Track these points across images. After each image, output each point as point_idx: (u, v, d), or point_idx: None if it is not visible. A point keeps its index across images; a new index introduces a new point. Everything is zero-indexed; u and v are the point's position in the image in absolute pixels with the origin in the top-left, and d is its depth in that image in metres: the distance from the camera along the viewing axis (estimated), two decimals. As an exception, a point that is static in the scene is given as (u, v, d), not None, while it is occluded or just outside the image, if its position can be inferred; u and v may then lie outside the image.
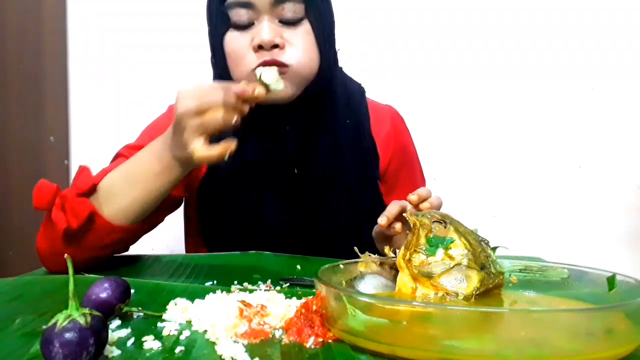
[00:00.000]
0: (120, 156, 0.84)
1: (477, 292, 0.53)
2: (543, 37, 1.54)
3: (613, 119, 1.55)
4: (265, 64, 0.77)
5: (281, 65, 0.77)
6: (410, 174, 1.00)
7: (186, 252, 1.01)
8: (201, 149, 0.65)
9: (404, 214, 0.61)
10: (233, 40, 0.80)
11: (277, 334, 0.48)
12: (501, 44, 1.54)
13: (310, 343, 0.46)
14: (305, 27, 0.80)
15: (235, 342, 0.46)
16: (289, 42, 0.79)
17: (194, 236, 0.95)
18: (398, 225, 0.74)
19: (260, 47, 0.77)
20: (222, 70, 0.83)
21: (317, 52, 0.82)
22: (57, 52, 1.57)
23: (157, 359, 0.43)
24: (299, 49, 0.79)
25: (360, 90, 0.95)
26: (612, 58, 1.54)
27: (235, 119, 0.65)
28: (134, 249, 0.84)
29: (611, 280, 0.52)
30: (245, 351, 0.43)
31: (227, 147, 0.64)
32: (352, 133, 0.90)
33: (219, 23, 0.81)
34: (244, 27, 0.79)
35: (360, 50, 1.46)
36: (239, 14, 0.78)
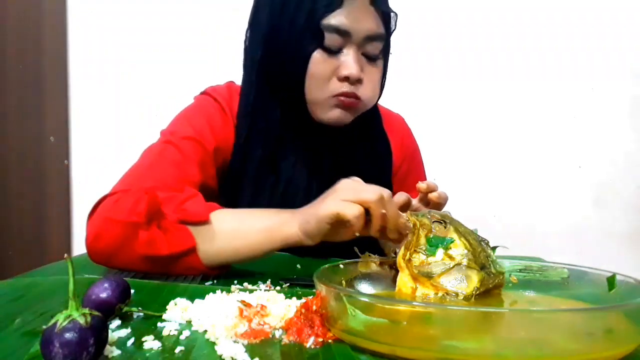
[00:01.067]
0: (168, 143, 0.82)
1: (477, 292, 0.53)
2: (543, 37, 1.54)
3: (613, 119, 1.55)
4: (345, 95, 0.80)
5: (358, 99, 0.82)
6: (418, 180, 1.01)
7: None
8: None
9: (404, 214, 0.61)
10: (320, 63, 0.80)
11: (277, 334, 0.48)
12: (501, 45, 1.54)
13: (310, 343, 0.46)
14: (380, 65, 0.84)
15: (235, 342, 0.46)
16: (366, 78, 0.82)
17: None
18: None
19: (346, 78, 0.80)
20: (296, 82, 0.82)
21: (379, 89, 0.87)
22: (57, 52, 1.57)
23: (157, 359, 0.43)
24: (372, 85, 0.83)
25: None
26: (612, 58, 1.54)
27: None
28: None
29: (611, 280, 0.52)
30: (245, 351, 0.43)
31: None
32: (372, 141, 0.94)
33: (309, 41, 0.80)
34: (332, 52, 0.80)
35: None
36: (333, 39, 0.79)
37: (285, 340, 0.47)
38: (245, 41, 0.91)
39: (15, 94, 1.59)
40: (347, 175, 0.78)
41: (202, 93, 0.93)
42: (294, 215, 0.69)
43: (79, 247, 1.55)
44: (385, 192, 0.63)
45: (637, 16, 1.53)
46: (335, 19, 0.78)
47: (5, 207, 1.60)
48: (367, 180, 0.88)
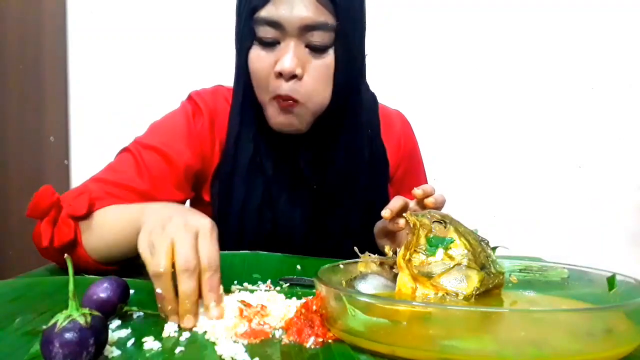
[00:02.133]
0: (127, 151, 0.83)
1: (477, 292, 0.53)
2: (543, 37, 1.54)
3: (613, 119, 1.55)
4: (280, 97, 0.76)
5: (295, 101, 0.77)
6: (416, 179, 1.01)
7: None
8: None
9: (404, 214, 0.61)
10: (257, 58, 0.78)
11: (277, 334, 0.48)
12: (501, 45, 1.54)
13: (310, 343, 0.46)
14: (329, 57, 0.77)
15: (235, 342, 0.46)
16: (308, 73, 0.77)
17: None
18: (402, 221, 0.73)
19: (280, 74, 0.75)
20: (245, 83, 0.82)
21: (330, 86, 0.79)
22: (57, 52, 1.57)
23: (157, 359, 0.43)
24: (315, 82, 0.77)
25: (374, 99, 0.95)
26: (612, 58, 1.54)
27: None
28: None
29: (611, 280, 0.52)
30: (245, 351, 0.43)
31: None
32: (365, 142, 0.90)
33: (245, 36, 0.78)
34: (269, 44, 0.76)
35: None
36: (266, 31, 0.76)
37: (285, 340, 0.47)
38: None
39: (15, 94, 1.59)
40: (328, 173, 0.80)
41: (187, 97, 0.91)
42: (148, 211, 0.64)
43: (79, 247, 1.55)
44: (194, 263, 0.52)
45: (637, 16, 1.53)
46: (265, 10, 0.75)
47: (5, 207, 1.60)
48: (364, 184, 0.87)
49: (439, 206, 0.74)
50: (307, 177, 0.86)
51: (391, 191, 0.96)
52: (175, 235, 0.54)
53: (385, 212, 0.71)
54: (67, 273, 0.42)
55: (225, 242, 0.87)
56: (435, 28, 1.54)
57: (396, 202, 0.73)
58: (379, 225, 0.82)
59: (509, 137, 1.56)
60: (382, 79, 1.47)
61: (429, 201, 0.73)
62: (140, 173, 0.80)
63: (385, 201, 0.84)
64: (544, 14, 1.53)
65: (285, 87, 0.76)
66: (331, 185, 0.87)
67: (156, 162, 0.81)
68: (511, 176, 1.56)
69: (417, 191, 0.73)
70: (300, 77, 0.76)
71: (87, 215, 0.72)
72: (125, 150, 0.84)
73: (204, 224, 0.56)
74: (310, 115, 0.80)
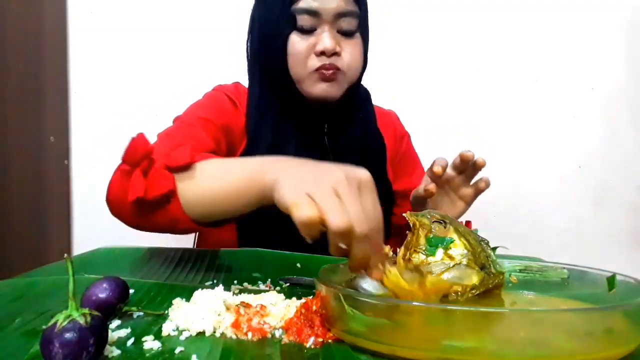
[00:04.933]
0: (177, 123, 0.88)
1: (477, 292, 0.53)
2: (543, 37, 1.54)
3: (613, 119, 1.55)
4: (323, 68, 0.88)
5: (337, 70, 0.89)
6: (412, 162, 1.12)
7: (196, 245, 1.01)
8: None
9: (404, 214, 0.61)
10: (297, 42, 0.89)
11: (277, 334, 0.48)
12: (501, 44, 1.54)
13: (310, 343, 0.46)
14: (357, 39, 0.91)
15: (235, 341, 0.46)
16: (345, 51, 0.90)
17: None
18: (432, 186, 0.84)
19: (322, 53, 0.87)
20: (278, 67, 0.90)
21: (362, 61, 0.93)
22: (57, 52, 1.57)
23: (157, 359, 0.43)
24: (352, 57, 0.90)
25: (367, 93, 1.06)
26: (612, 58, 1.54)
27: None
28: (133, 242, 0.84)
29: (611, 280, 0.52)
30: (246, 351, 0.43)
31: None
32: (366, 127, 1.01)
33: (284, 25, 0.88)
34: (307, 31, 0.88)
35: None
36: (305, 20, 0.87)
37: (285, 340, 0.47)
38: (247, 41, 0.98)
39: (15, 94, 1.59)
40: (344, 159, 0.82)
41: (212, 90, 0.99)
42: (276, 168, 0.59)
43: (79, 247, 1.55)
44: (362, 225, 0.48)
45: (637, 16, 1.53)
46: (304, 2, 0.87)
47: (5, 207, 1.59)
48: (369, 167, 0.94)
49: (481, 164, 0.85)
50: (327, 152, 0.95)
51: (392, 173, 1.06)
52: (342, 191, 0.49)
53: (437, 168, 0.83)
54: (66, 272, 0.42)
55: (245, 225, 0.91)
56: (435, 26, 1.54)
57: (441, 161, 0.83)
58: (414, 194, 0.91)
59: (508, 137, 1.56)
60: (381, 77, 1.47)
61: (479, 161, 0.85)
62: (200, 134, 0.85)
63: (385, 182, 1.00)
64: (544, 13, 1.53)
65: (329, 60, 0.88)
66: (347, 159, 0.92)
67: (208, 127, 0.88)
68: (511, 176, 1.56)
69: (437, 168, 0.83)
70: (339, 54, 0.89)
71: (188, 167, 0.67)
72: (175, 123, 0.89)
73: (365, 178, 0.51)
74: (347, 83, 0.92)
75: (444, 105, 1.55)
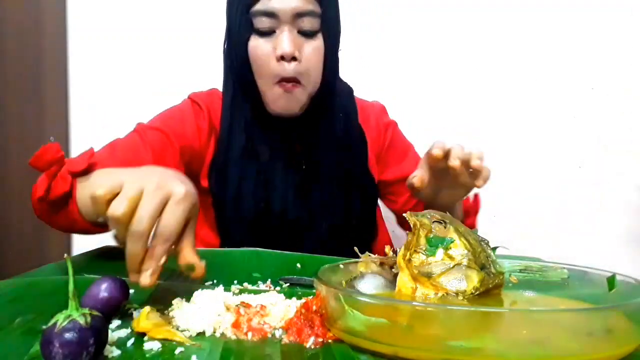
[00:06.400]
0: (132, 132, 0.90)
1: (477, 292, 0.53)
2: (543, 36, 1.54)
3: (613, 119, 1.55)
4: (284, 80, 0.86)
5: (297, 83, 0.87)
6: (401, 150, 1.09)
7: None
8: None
9: (404, 214, 0.61)
10: (257, 47, 0.87)
11: (277, 334, 0.48)
12: (501, 44, 1.54)
13: (310, 343, 0.46)
14: (319, 40, 0.88)
15: (234, 341, 0.46)
16: (304, 55, 0.87)
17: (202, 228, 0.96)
18: (417, 179, 0.80)
19: (282, 58, 0.85)
20: (243, 73, 0.89)
21: (321, 68, 0.90)
22: (57, 52, 1.57)
23: (157, 359, 0.43)
24: (311, 62, 0.88)
25: (349, 90, 1.04)
26: (612, 58, 1.54)
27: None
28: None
29: (611, 280, 0.52)
30: (246, 351, 0.43)
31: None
32: (346, 123, 0.99)
33: (243, 29, 0.87)
34: (266, 34, 0.86)
35: (361, 49, 1.47)
36: (262, 22, 0.85)
37: (285, 340, 0.47)
38: (224, 42, 0.98)
39: (15, 94, 1.59)
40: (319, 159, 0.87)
41: (186, 98, 1.00)
42: (136, 170, 0.59)
43: (79, 247, 1.55)
44: (146, 221, 0.50)
45: (637, 15, 1.53)
46: (261, 3, 0.85)
47: (5, 207, 1.59)
48: (341, 168, 0.97)
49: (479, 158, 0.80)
50: (299, 157, 0.93)
51: (379, 168, 1.06)
52: (145, 191, 0.51)
53: (437, 151, 0.76)
54: (66, 272, 0.42)
55: (224, 226, 0.93)
56: (436, 28, 1.54)
57: (440, 144, 0.77)
58: (408, 180, 0.83)
59: (508, 137, 1.56)
60: (381, 77, 1.47)
61: (475, 164, 0.78)
62: (145, 146, 0.87)
63: (368, 178, 1.00)
64: (544, 13, 1.53)
65: (288, 69, 0.85)
66: (316, 163, 0.95)
67: (159, 139, 0.89)
68: (511, 176, 1.55)
69: (436, 151, 0.77)
70: (299, 59, 0.86)
71: (85, 172, 0.73)
72: (131, 132, 0.91)
73: (177, 191, 0.52)
74: (307, 97, 0.89)
75: (444, 105, 1.55)
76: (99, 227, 0.74)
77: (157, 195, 0.51)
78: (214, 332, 0.49)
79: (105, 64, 1.55)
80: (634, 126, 1.55)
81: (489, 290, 0.55)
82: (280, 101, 0.88)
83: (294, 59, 0.85)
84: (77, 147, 1.57)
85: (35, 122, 1.59)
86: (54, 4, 1.56)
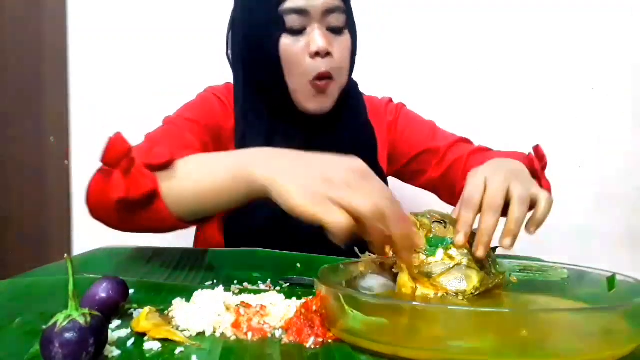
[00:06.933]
0: (164, 124, 0.88)
1: (477, 292, 0.53)
2: (543, 36, 1.54)
3: (613, 119, 1.55)
4: (318, 77, 0.85)
5: (330, 79, 0.86)
6: (415, 130, 1.07)
7: (195, 245, 1.01)
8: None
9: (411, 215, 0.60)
10: (289, 45, 0.86)
11: (277, 334, 0.48)
12: (500, 44, 1.54)
13: (310, 343, 0.46)
14: (347, 36, 0.89)
15: (234, 341, 0.46)
16: (335, 50, 0.87)
17: (207, 229, 0.95)
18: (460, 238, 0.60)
19: (316, 54, 0.84)
20: (273, 72, 0.87)
21: (350, 61, 0.91)
22: (57, 52, 1.57)
23: (157, 359, 0.43)
24: (343, 57, 0.88)
25: (356, 85, 1.03)
26: (612, 58, 1.54)
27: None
28: (133, 242, 0.84)
29: (611, 280, 0.52)
30: (245, 351, 0.43)
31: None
32: (356, 120, 0.98)
33: (274, 28, 0.85)
34: (297, 32, 0.85)
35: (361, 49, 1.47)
36: (294, 20, 0.84)
37: (285, 340, 0.47)
38: (227, 43, 0.97)
39: (15, 94, 1.59)
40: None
41: (203, 91, 0.99)
42: (267, 164, 0.58)
43: (79, 247, 1.55)
44: (386, 203, 0.49)
45: (637, 15, 1.53)
46: (291, 1, 0.84)
47: (6, 207, 1.59)
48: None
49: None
50: (317, 149, 0.91)
51: (400, 151, 1.05)
52: (350, 181, 0.50)
53: (460, 238, 0.58)
54: (66, 272, 0.42)
55: (232, 226, 0.90)
56: (436, 28, 1.54)
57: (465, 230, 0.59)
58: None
59: (508, 137, 1.56)
60: (380, 77, 1.47)
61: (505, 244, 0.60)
62: (185, 133, 0.84)
63: (377, 171, 0.92)
64: (544, 13, 1.53)
65: (323, 65, 0.85)
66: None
67: (194, 129, 0.87)
68: (511, 176, 1.55)
69: (459, 238, 0.58)
70: (332, 55, 0.86)
71: (168, 165, 0.66)
72: (163, 124, 0.88)
73: (362, 165, 0.53)
74: (338, 92, 0.90)
75: (444, 105, 1.55)
76: (193, 223, 0.70)
77: (359, 178, 0.52)
78: (214, 332, 0.49)
79: (105, 63, 1.55)
80: (634, 126, 1.55)
81: (489, 290, 0.55)
82: (314, 99, 0.88)
83: (328, 54, 0.85)
84: (77, 147, 1.57)
85: (35, 122, 1.59)
86: (54, 4, 1.56)
